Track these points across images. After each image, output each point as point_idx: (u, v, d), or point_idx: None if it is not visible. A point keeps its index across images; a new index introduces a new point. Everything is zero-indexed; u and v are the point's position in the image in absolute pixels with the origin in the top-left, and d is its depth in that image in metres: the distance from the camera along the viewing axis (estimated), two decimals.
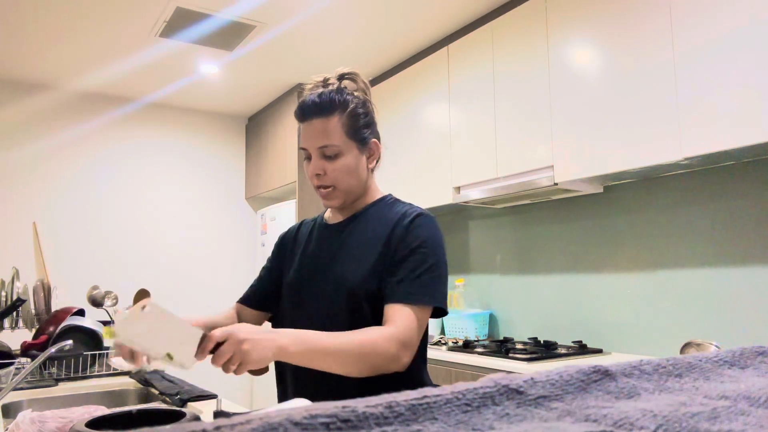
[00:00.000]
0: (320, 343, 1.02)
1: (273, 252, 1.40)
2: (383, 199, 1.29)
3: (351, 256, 1.20)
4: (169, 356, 0.91)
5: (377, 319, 1.15)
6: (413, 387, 1.18)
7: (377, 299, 1.15)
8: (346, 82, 1.25)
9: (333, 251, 1.24)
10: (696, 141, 1.93)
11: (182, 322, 0.93)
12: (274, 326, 1.30)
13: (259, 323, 1.36)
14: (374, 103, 1.29)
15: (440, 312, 1.16)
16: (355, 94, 1.23)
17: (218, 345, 0.95)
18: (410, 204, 1.27)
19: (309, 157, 1.21)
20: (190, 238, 4.47)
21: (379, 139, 1.27)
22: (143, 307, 0.89)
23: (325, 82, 1.24)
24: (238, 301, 1.39)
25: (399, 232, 1.17)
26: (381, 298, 1.15)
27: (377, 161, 1.28)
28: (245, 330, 0.96)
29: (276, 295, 1.34)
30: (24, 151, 3.90)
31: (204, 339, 0.94)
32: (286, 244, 1.38)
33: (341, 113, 1.18)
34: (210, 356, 0.96)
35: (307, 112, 1.19)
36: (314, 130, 1.18)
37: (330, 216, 1.33)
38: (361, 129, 1.21)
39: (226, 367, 0.95)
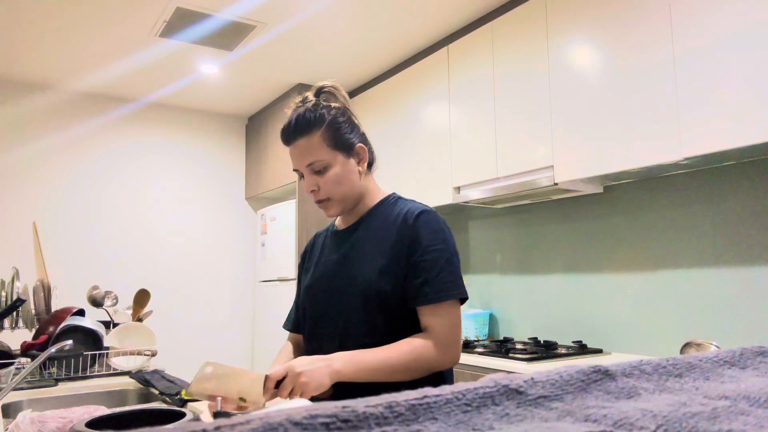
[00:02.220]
0: (370, 361, 1.12)
1: (298, 272, 1.47)
2: (387, 198, 1.34)
3: (361, 258, 1.25)
4: (242, 399, 1.05)
5: (387, 318, 1.21)
6: (433, 381, 1.20)
7: (389, 299, 1.20)
8: (323, 96, 1.30)
9: (344, 255, 1.29)
10: (696, 141, 1.93)
11: (243, 371, 1.07)
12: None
13: None
14: (356, 113, 1.35)
15: (462, 299, 1.22)
16: (333, 105, 1.28)
17: (281, 381, 1.06)
18: (412, 201, 1.31)
19: (303, 176, 1.28)
20: (190, 238, 4.47)
21: (365, 142, 1.32)
22: (207, 369, 1.06)
23: (304, 101, 1.29)
24: (291, 330, 1.44)
25: (406, 232, 1.22)
26: (393, 298, 1.20)
27: (369, 163, 1.33)
28: (300, 363, 1.07)
29: None
30: (24, 151, 3.90)
31: (267, 379, 1.06)
32: (304, 259, 1.45)
33: (319, 128, 1.23)
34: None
35: (289, 135, 1.26)
36: (299, 151, 1.24)
37: (340, 223, 1.39)
38: (344, 137, 1.26)
39: (290, 398, 1.05)
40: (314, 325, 1.31)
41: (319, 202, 1.28)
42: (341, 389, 1.11)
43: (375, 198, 1.33)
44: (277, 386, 1.06)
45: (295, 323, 1.43)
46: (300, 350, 1.41)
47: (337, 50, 3.45)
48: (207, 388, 1.05)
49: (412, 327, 1.21)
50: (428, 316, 1.18)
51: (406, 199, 1.32)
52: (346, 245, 1.30)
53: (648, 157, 2.08)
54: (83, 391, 1.81)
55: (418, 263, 1.19)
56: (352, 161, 1.28)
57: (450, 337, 1.17)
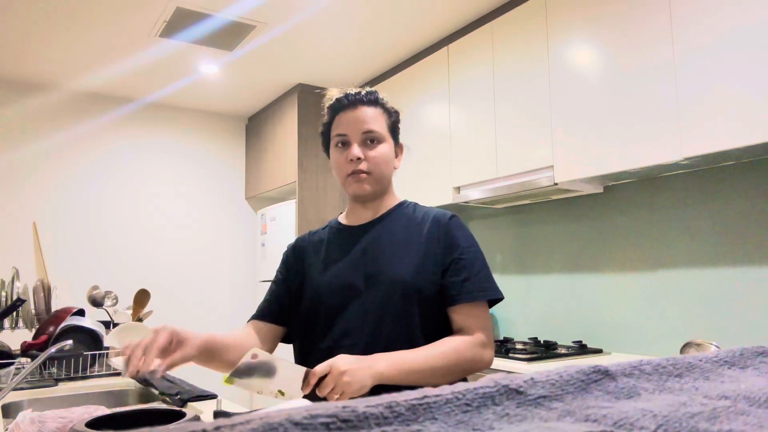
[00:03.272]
0: (414, 363, 1.10)
1: (284, 264, 1.38)
2: (403, 203, 1.35)
3: (393, 256, 1.23)
4: (281, 392, 1.03)
5: (424, 317, 1.19)
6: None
7: (426, 297, 1.19)
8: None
9: (365, 251, 1.25)
10: (696, 141, 1.93)
11: (287, 363, 1.03)
12: (296, 335, 1.30)
13: (277, 338, 1.33)
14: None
15: (494, 301, 1.24)
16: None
17: (323, 377, 1.03)
18: (430, 207, 1.33)
19: (343, 144, 1.26)
20: (190, 238, 4.47)
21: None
22: (253, 356, 1.01)
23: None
24: (253, 318, 1.34)
25: (441, 233, 1.23)
26: (429, 296, 1.19)
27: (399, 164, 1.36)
28: (344, 361, 1.03)
29: (294, 308, 1.32)
30: (24, 151, 3.90)
31: (308, 374, 1.03)
32: (300, 254, 1.36)
33: (383, 108, 1.28)
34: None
35: (353, 100, 1.26)
36: (359, 117, 1.24)
37: (349, 219, 1.33)
38: (397, 127, 1.33)
39: (330, 397, 1.02)
40: (331, 321, 1.23)
41: (355, 173, 1.23)
42: (375, 388, 1.07)
43: (394, 199, 1.34)
44: (318, 383, 1.03)
45: (267, 314, 1.32)
46: (267, 343, 1.30)
47: (337, 50, 3.45)
48: (249, 380, 1.03)
49: (445, 326, 1.21)
50: (466, 315, 1.18)
51: (423, 205, 1.35)
52: (365, 241, 1.26)
53: (648, 157, 2.08)
54: (83, 391, 1.81)
55: (458, 260, 1.20)
56: (395, 153, 1.32)
57: (488, 337, 1.19)
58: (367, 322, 1.19)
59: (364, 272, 1.22)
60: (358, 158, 1.23)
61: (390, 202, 1.33)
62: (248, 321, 1.35)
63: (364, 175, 1.24)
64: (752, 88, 1.80)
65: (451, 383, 1.20)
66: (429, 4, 2.90)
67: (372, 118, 1.25)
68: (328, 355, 1.19)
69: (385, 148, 1.26)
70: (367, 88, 1.29)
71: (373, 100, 1.26)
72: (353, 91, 1.27)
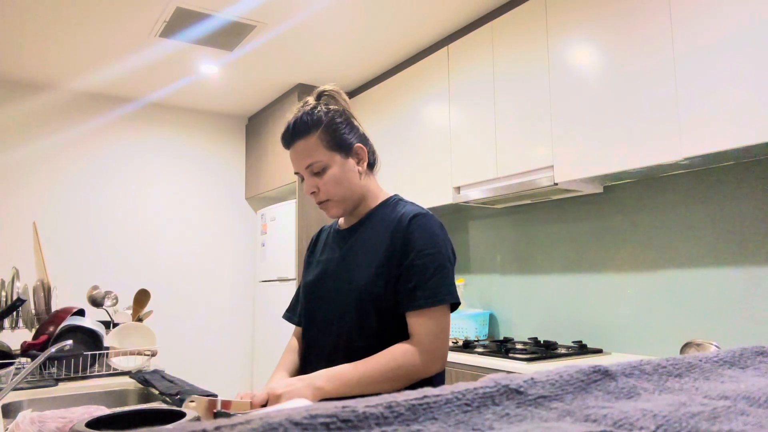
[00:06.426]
0: (353, 375, 1.12)
1: (303, 264, 1.48)
2: (387, 200, 1.34)
3: (358, 260, 1.26)
4: None
5: (381, 322, 1.20)
6: (425, 383, 1.17)
7: (382, 301, 1.20)
8: (324, 99, 1.32)
9: (343, 256, 1.30)
10: (696, 141, 1.93)
11: (226, 400, 1.07)
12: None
13: None
14: (356, 113, 1.36)
15: (454, 305, 1.22)
16: (331, 107, 1.29)
17: (265, 404, 1.07)
18: (411, 204, 1.30)
19: (303, 179, 1.30)
20: (190, 238, 4.47)
21: (365, 142, 1.32)
22: (190, 405, 1.04)
23: (303, 105, 1.30)
24: (296, 324, 1.43)
25: (399, 236, 1.21)
26: (386, 300, 1.20)
27: (370, 163, 1.34)
28: (281, 385, 1.09)
29: None
30: (24, 151, 3.90)
31: (251, 405, 1.07)
32: (309, 252, 1.47)
33: (316, 130, 1.25)
34: None
35: (287, 139, 1.28)
36: (297, 153, 1.26)
37: (342, 222, 1.39)
38: (341, 137, 1.27)
39: None
40: (308, 323, 1.33)
41: (320, 203, 1.29)
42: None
43: (376, 199, 1.33)
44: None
45: (299, 321, 1.42)
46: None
47: (337, 50, 3.45)
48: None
49: (405, 330, 1.20)
50: (416, 321, 1.17)
51: (406, 202, 1.32)
52: (346, 246, 1.31)
53: (648, 157, 2.08)
54: (83, 391, 1.81)
55: (410, 267, 1.18)
56: (351, 161, 1.28)
57: (435, 344, 1.16)
58: (332, 326, 1.25)
59: (336, 278, 1.28)
60: (313, 192, 1.27)
61: (372, 203, 1.33)
62: (288, 322, 1.45)
63: (326, 202, 1.28)
64: (752, 88, 1.80)
65: (397, 392, 1.18)
66: (429, 4, 2.90)
67: (308, 151, 1.24)
68: (303, 360, 1.32)
69: (333, 171, 1.25)
70: (303, 109, 1.27)
71: (303, 129, 1.24)
72: (287, 124, 1.27)
